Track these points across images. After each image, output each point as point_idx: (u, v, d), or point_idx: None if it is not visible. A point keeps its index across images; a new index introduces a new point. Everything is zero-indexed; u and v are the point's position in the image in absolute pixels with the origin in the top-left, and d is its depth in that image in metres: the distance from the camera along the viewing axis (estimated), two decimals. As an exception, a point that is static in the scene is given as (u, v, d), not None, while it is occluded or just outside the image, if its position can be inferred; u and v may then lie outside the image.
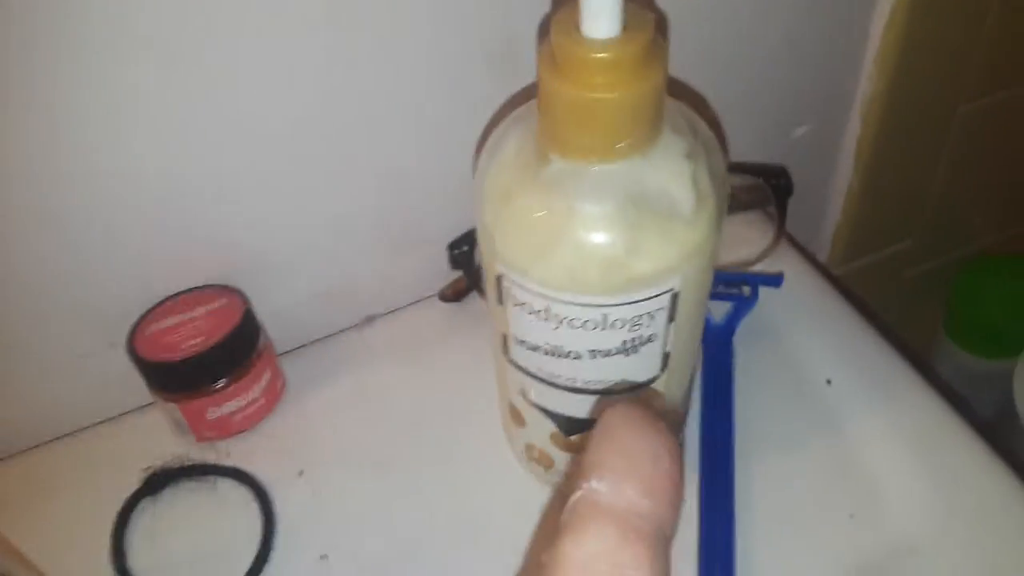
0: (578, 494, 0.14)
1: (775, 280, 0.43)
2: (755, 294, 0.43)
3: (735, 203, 0.47)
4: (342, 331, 0.47)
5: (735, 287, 0.43)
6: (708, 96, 0.47)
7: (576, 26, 0.24)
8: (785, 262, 0.46)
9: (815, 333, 0.43)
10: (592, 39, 0.23)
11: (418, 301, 0.48)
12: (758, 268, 0.45)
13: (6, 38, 0.30)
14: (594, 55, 0.23)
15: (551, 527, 0.15)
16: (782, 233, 0.45)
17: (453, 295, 0.47)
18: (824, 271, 0.46)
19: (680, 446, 0.14)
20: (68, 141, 0.34)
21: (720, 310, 0.43)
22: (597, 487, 0.14)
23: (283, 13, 0.34)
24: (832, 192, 0.57)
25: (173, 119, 0.35)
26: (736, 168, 0.47)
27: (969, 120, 0.55)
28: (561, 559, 0.13)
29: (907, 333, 0.69)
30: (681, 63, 0.44)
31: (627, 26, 0.24)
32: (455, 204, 0.42)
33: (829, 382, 0.41)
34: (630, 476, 0.14)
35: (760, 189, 0.46)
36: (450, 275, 0.47)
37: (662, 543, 0.14)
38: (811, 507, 0.37)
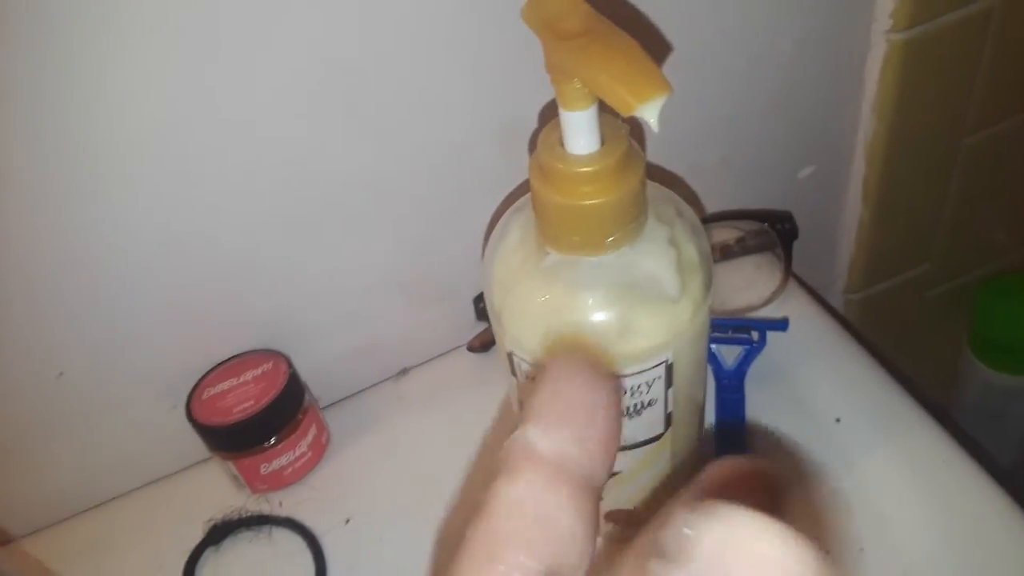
0: (513, 437, 0.15)
1: (781, 325, 0.45)
2: (763, 338, 0.45)
3: (743, 248, 0.49)
4: (379, 383, 0.50)
5: (744, 332, 0.45)
6: (714, 145, 0.49)
7: (560, 141, 0.27)
8: (794, 303, 0.48)
9: (824, 373, 0.45)
10: (575, 155, 0.26)
11: (448, 352, 0.51)
12: (767, 311, 0.47)
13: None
14: (577, 169, 0.26)
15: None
16: (789, 275, 0.48)
17: (480, 346, 0.50)
18: (832, 311, 0.48)
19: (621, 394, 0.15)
20: (130, 221, 0.38)
21: (732, 354, 0.45)
22: (532, 432, 0.14)
23: (303, 100, 0.38)
24: (844, 225, 0.59)
25: (218, 207, 0.39)
26: (743, 215, 0.49)
27: (976, 150, 0.57)
28: (492, 499, 0.14)
29: (933, 352, 0.71)
30: (683, 116, 0.47)
31: (605, 139, 0.27)
32: (476, 262, 0.46)
33: (839, 420, 0.43)
34: (564, 424, 0.14)
35: (767, 234, 0.48)
36: (477, 327, 0.50)
37: (590, 492, 0.14)
38: (823, 542, 0.39)
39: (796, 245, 0.50)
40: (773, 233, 0.47)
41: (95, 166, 0.36)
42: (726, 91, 0.47)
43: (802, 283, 0.50)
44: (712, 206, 0.51)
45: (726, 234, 0.50)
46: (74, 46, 0.32)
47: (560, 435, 0.14)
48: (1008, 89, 0.55)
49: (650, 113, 0.21)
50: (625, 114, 0.22)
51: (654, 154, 0.47)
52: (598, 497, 0.15)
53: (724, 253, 0.50)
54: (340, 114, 0.39)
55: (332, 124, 0.39)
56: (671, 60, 0.44)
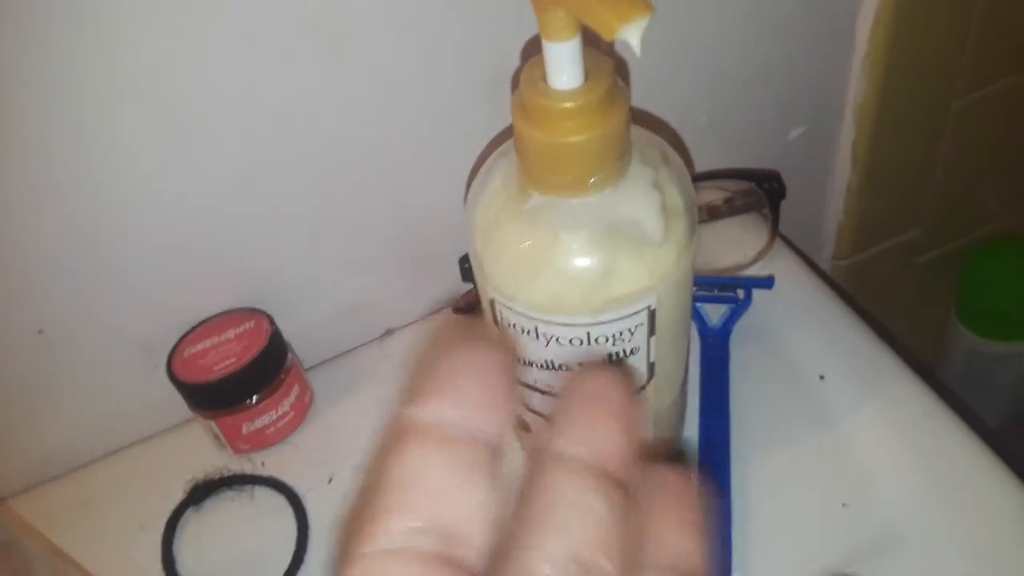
0: (393, 417, 0.15)
1: (766, 283, 0.45)
2: (748, 297, 0.45)
3: (731, 208, 0.49)
4: (363, 344, 0.50)
5: (729, 290, 0.45)
6: (702, 106, 0.49)
7: (543, 77, 0.26)
8: (780, 263, 0.48)
9: (808, 331, 0.45)
10: (558, 90, 0.26)
11: (433, 313, 0.51)
12: (754, 270, 0.47)
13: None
14: (560, 105, 0.26)
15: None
16: (775, 235, 0.47)
17: (466, 306, 0.50)
18: (818, 270, 0.48)
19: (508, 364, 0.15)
20: (112, 178, 0.37)
21: (716, 313, 0.45)
22: (408, 408, 0.14)
23: (292, 53, 0.37)
24: (832, 190, 0.59)
25: (201, 164, 0.39)
26: (731, 174, 0.49)
27: (964, 114, 0.56)
28: (382, 479, 0.14)
29: (919, 319, 0.71)
30: (674, 75, 0.46)
31: (589, 74, 0.26)
32: (462, 221, 0.45)
33: (822, 378, 0.43)
34: (435, 393, 0.15)
35: (754, 193, 0.48)
36: (462, 287, 0.50)
37: (481, 447, 0.14)
38: (806, 498, 0.39)
39: (784, 211, 0.49)
40: (761, 192, 0.47)
41: (76, 120, 0.35)
42: (717, 50, 0.47)
43: (789, 243, 0.50)
44: (700, 166, 0.51)
45: (713, 194, 0.50)
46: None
47: (432, 401, 0.14)
48: (998, 52, 0.55)
49: (632, 35, 0.21)
50: (607, 37, 0.21)
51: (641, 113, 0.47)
52: (494, 454, 0.15)
53: (711, 213, 0.49)
54: (323, 66, 0.38)
55: (314, 77, 0.38)
56: (662, 17, 0.43)
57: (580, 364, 0.31)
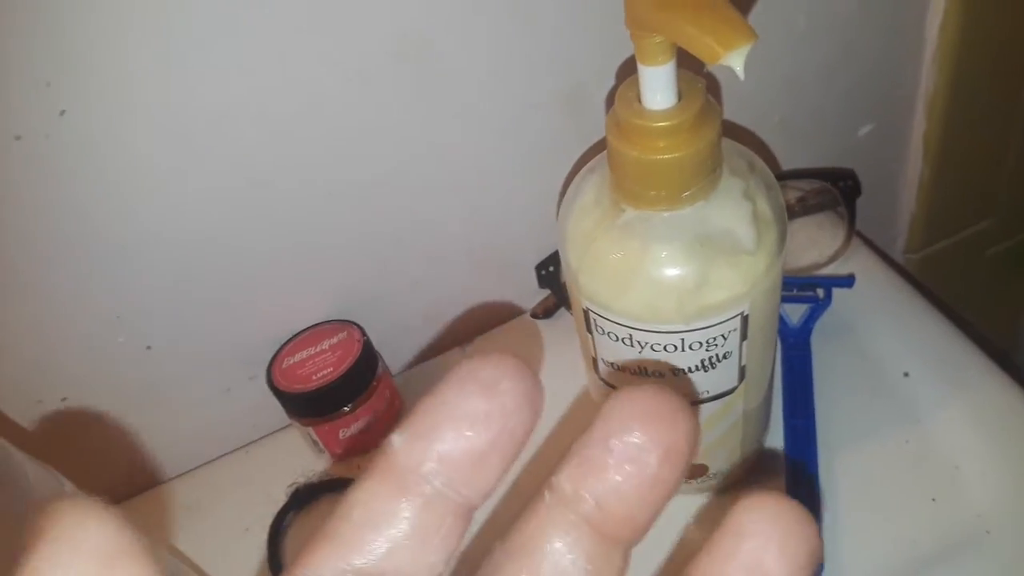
0: (386, 439, 0.14)
1: (847, 281, 0.45)
2: (828, 296, 0.45)
3: (804, 207, 0.49)
4: (447, 351, 0.52)
5: (809, 290, 0.45)
6: (773, 106, 0.49)
7: (637, 98, 0.27)
8: (858, 260, 0.48)
9: (890, 328, 0.45)
10: (652, 110, 0.27)
11: (512, 319, 0.52)
12: (831, 269, 0.48)
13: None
14: (654, 124, 0.27)
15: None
16: (853, 233, 0.48)
17: (543, 312, 0.51)
18: (897, 267, 0.48)
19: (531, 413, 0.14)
20: (214, 198, 0.40)
21: (797, 313, 0.46)
22: (396, 437, 0.14)
23: (373, 70, 0.39)
24: (904, 183, 0.58)
25: (293, 183, 0.41)
26: (805, 174, 0.49)
27: (1038, 102, 0.56)
28: (340, 504, 0.14)
29: (993, 311, 0.70)
30: (746, 77, 0.47)
31: (682, 94, 0.27)
32: (538, 229, 0.47)
33: (906, 375, 0.43)
34: (428, 434, 0.13)
35: (829, 192, 0.48)
36: (539, 294, 0.51)
37: (453, 513, 0.14)
38: (895, 494, 0.39)
39: (856, 205, 0.50)
40: (836, 191, 0.47)
41: (177, 134, 0.37)
42: (785, 50, 0.47)
43: (865, 241, 0.50)
44: (772, 167, 0.51)
45: (787, 194, 0.50)
46: None
47: (420, 445, 0.13)
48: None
49: (736, 61, 0.22)
50: (711, 63, 0.22)
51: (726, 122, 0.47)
52: (465, 519, 0.14)
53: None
54: (407, 81, 0.40)
55: (399, 92, 0.40)
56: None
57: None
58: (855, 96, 0.52)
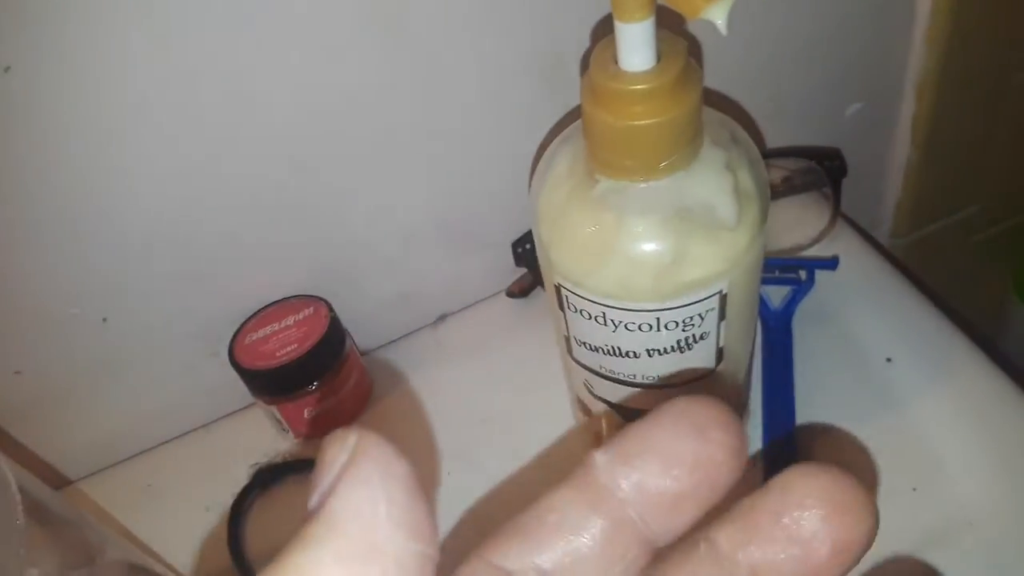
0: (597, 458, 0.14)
1: (830, 264, 0.44)
2: (811, 278, 0.44)
3: (790, 187, 0.48)
4: (419, 329, 0.50)
5: (792, 272, 0.44)
6: (759, 83, 0.48)
7: (614, 59, 0.26)
8: (842, 242, 0.47)
9: (874, 312, 0.44)
10: (629, 72, 0.25)
11: (487, 298, 0.51)
12: (815, 251, 0.46)
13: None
14: (632, 87, 0.25)
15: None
16: (838, 214, 0.46)
17: (519, 291, 0.49)
18: (882, 249, 0.47)
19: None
20: (173, 166, 0.38)
21: (779, 295, 0.44)
22: (598, 457, 0.14)
23: (341, 39, 0.37)
24: (891, 166, 0.57)
25: (258, 152, 0.39)
26: (790, 152, 0.48)
27: (1027, 87, 0.54)
28: (535, 505, 0.14)
29: (977, 297, 0.69)
30: (729, 51, 0.45)
31: (662, 55, 0.25)
32: (515, 206, 0.45)
33: (889, 360, 0.42)
34: (631, 462, 0.14)
35: (815, 171, 0.47)
36: (515, 272, 0.49)
37: (635, 532, 0.13)
38: (875, 482, 0.38)
39: (843, 189, 0.48)
40: (821, 171, 0.46)
41: (137, 107, 0.35)
42: (774, 25, 0.45)
43: (851, 222, 0.48)
44: (757, 143, 0.50)
45: (772, 173, 0.49)
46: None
47: (624, 471, 0.14)
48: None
49: (718, 14, 0.20)
50: (692, 16, 0.21)
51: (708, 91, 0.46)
52: (648, 550, 0.14)
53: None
54: (377, 52, 0.38)
55: (369, 62, 0.38)
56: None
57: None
58: (844, 74, 0.50)
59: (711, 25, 0.22)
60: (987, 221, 0.64)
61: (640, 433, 0.14)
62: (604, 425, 0.37)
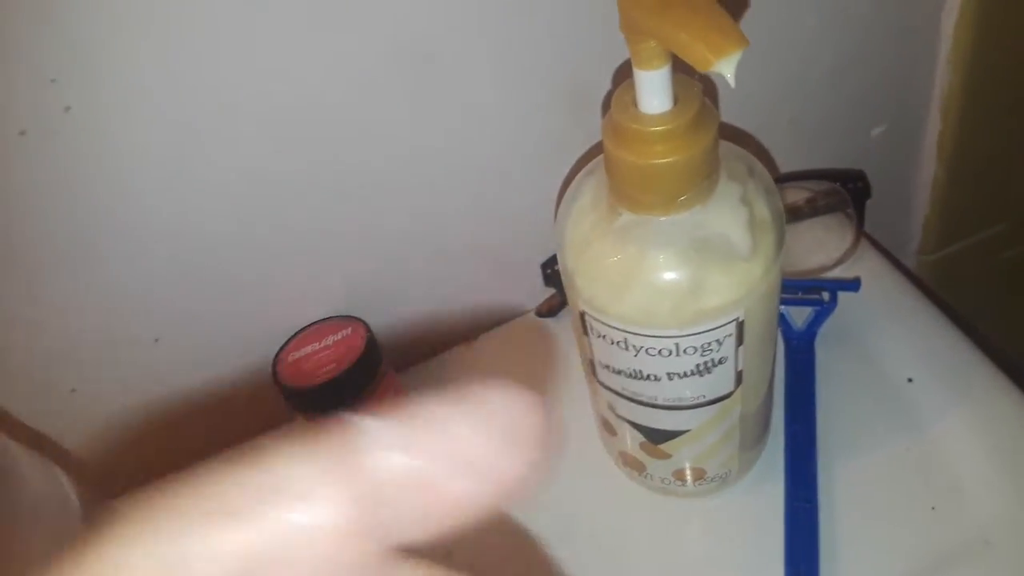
0: None
1: (853, 285, 0.45)
2: (834, 299, 0.45)
3: (813, 208, 0.49)
4: (452, 347, 0.52)
5: (815, 293, 0.45)
6: (784, 106, 0.49)
7: (633, 102, 0.27)
8: (866, 263, 0.48)
9: (896, 333, 0.44)
10: (648, 114, 0.27)
11: (517, 317, 0.52)
12: (839, 272, 0.47)
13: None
14: (651, 128, 0.27)
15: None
16: (861, 235, 0.47)
17: (548, 310, 0.51)
18: (905, 270, 0.47)
19: None
20: (217, 193, 0.40)
21: (802, 315, 0.45)
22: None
23: (377, 75, 0.39)
24: (918, 184, 0.58)
25: (297, 178, 0.41)
26: (814, 175, 0.49)
27: (1056, 103, 0.55)
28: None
29: (1008, 314, 0.69)
30: (755, 77, 0.46)
31: (678, 98, 0.27)
32: (544, 227, 0.46)
33: (910, 380, 0.43)
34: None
35: (838, 193, 0.48)
36: (544, 292, 0.51)
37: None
38: (894, 501, 0.39)
39: (869, 207, 0.49)
40: (845, 192, 0.47)
41: (183, 133, 0.37)
42: (795, 49, 0.47)
43: (874, 243, 0.49)
44: (784, 167, 0.51)
45: (795, 195, 0.50)
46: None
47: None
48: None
49: (727, 68, 0.22)
50: (702, 70, 0.22)
51: (723, 115, 0.47)
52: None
53: (794, 214, 0.49)
54: (411, 82, 0.40)
55: (403, 91, 0.40)
56: (742, 22, 0.43)
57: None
58: (868, 96, 0.51)
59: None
60: (1017, 238, 0.64)
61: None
62: (628, 443, 0.39)
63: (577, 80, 0.42)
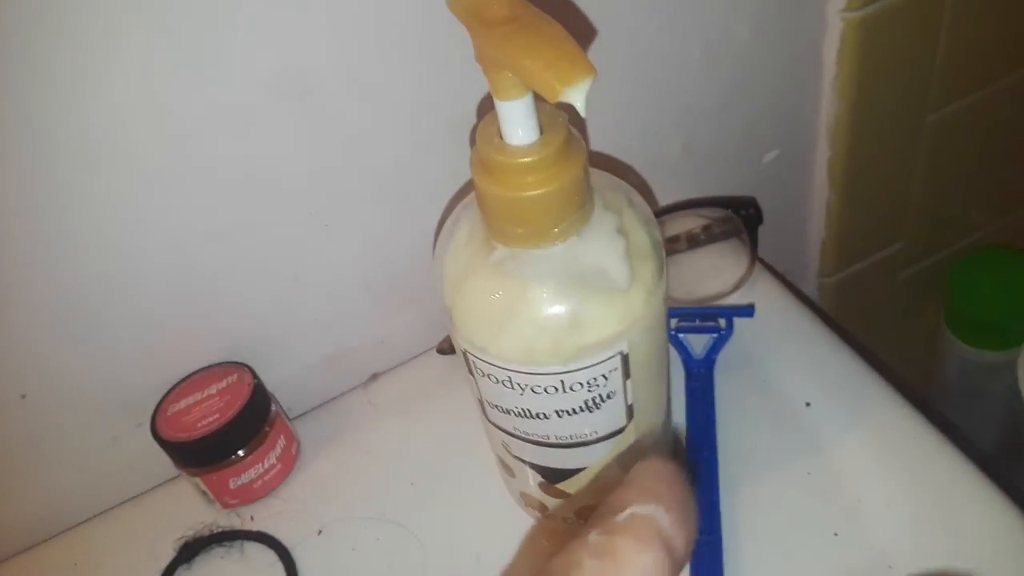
0: (631, 510, 0.17)
1: (747, 311, 0.45)
2: (730, 325, 0.45)
3: (710, 236, 0.49)
4: (349, 391, 0.50)
5: (711, 320, 0.45)
6: (674, 136, 0.49)
7: (498, 133, 0.26)
8: (762, 287, 0.48)
9: (792, 357, 0.44)
10: (514, 146, 0.26)
11: (418, 356, 0.50)
12: (735, 297, 0.47)
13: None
14: (517, 160, 0.26)
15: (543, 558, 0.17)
16: (755, 261, 0.47)
17: (450, 348, 0.49)
18: (800, 295, 0.48)
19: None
20: (90, 240, 0.38)
21: (700, 343, 0.45)
22: (653, 511, 0.17)
23: (255, 111, 0.37)
24: (812, 209, 0.59)
25: (175, 222, 0.39)
26: (707, 202, 0.49)
27: (939, 127, 0.56)
28: (625, 564, 0.16)
29: (911, 331, 0.71)
30: (643, 107, 0.46)
31: (544, 128, 0.26)
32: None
33: (808, 404, 0.42)
34: (672, 509, 0.17)
35: (731, 220, 0.48)
36: (445, 329, 0.49)
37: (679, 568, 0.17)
38: (796, 527, 0.38)
39: (766, 231, 0.50)
40: (737, 219, 0.47)
41: (54, 180, 0.35)
42: (683, 80, 0.47)
43: (770, 268, 0.49)
44: (678, 195, 0.51)
45: (692, 223, 0.50)
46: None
47: (668, 515, 0.17)
48: (969, 63, 0.55)
49: (576, 97, 0.21)
50: (551, 100, 0.21)
51: (613, 147, 0.47)
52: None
53: (691, 242, 0.49)
54: (293, 119, 0.38)
55: (286, 130, 0.38)
56: (624, 52, 0.43)
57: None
58: (758, 124, 0.52)
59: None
60: (911, 258, 0.66)
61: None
62: (530, 482, 0.37)
63: (460, 111, 0.41)
